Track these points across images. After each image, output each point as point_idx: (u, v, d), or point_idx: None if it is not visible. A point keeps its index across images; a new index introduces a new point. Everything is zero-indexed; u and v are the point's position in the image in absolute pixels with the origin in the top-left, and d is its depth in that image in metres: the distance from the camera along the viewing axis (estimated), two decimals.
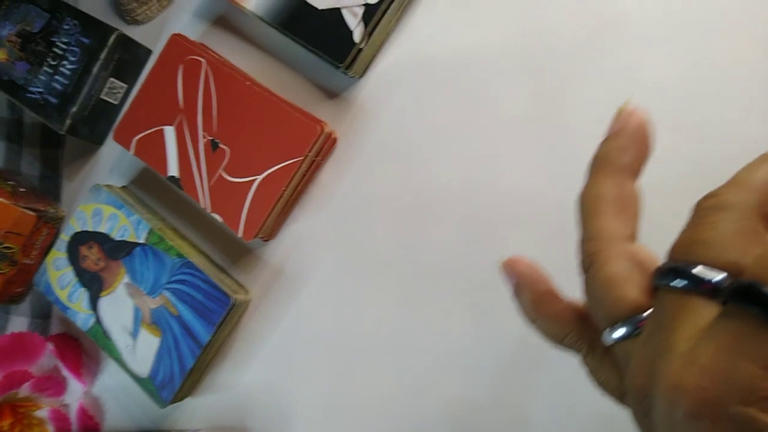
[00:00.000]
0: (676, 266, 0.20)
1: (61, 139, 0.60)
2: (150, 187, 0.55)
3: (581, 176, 0.42)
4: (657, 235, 0.26)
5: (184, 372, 0.48)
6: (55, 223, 0.57)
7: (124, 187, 0.56)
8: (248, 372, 0.50)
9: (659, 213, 0.40)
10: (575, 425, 0.41)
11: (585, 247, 0.24)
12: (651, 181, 0.40)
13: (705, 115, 0.40)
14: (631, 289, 0.21)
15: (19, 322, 0.59)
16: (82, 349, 0.56)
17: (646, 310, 0.21)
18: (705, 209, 0.20)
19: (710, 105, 0.40)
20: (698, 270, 0.19)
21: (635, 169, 0.25)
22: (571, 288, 0.41)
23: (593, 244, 0.23)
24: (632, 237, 0.23)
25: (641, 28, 0.42)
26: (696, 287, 0.19)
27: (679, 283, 0.19)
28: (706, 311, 0.18)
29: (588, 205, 0.25)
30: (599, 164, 0.26)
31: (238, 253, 0.52)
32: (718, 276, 0.18)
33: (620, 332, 0.21)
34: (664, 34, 0.41)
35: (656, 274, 0.21)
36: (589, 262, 0.23)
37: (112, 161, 0.57)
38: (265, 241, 0.51)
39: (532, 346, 0.42)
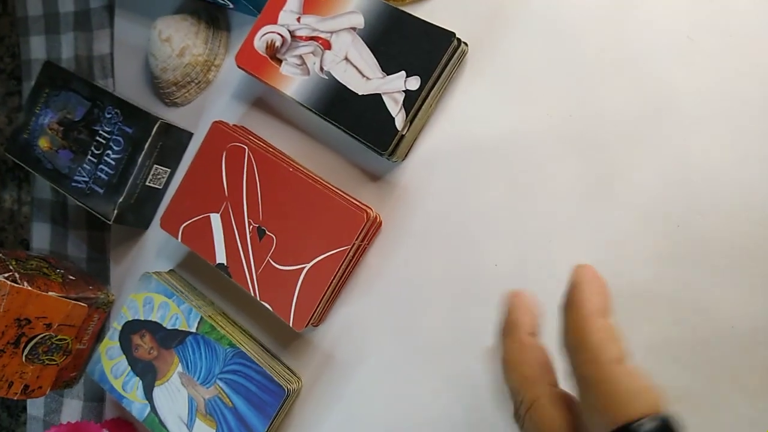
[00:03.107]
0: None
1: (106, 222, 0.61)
2: (197, 270, 0.56)
3: (629, 261, 0.41)
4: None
5: None
6: (105, 308, 0.58)
7: (171, 270, 0.57)
8: None
9: (720, 292, 0.39)
10: None
11: (514, 390, 0.29)
12: (712, 264, 0.39)
13: (761, 201, 0.39)
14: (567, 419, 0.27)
15: (73, 405, 0.59)
16: None
17: None
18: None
19: (765, 189, 0.39)
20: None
21: (533, 331, 0.31)
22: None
23: (521, 391, 0.29)
24: (552, 381, 0.29)
25: (695, 110, 0.41)
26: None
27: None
28: None
29: (507, 365, 0.31)
30: (504, 332, 0.32)
31: (287, 337, 0.52)
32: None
33: None
34: (719, 118, 0.40)
35: None
36: (526, 405, 0.28)
37: (158, 244, 0.58)
38: (314, 326, 0.51)
39: None
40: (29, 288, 0.50)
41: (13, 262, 0.53)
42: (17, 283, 0.50)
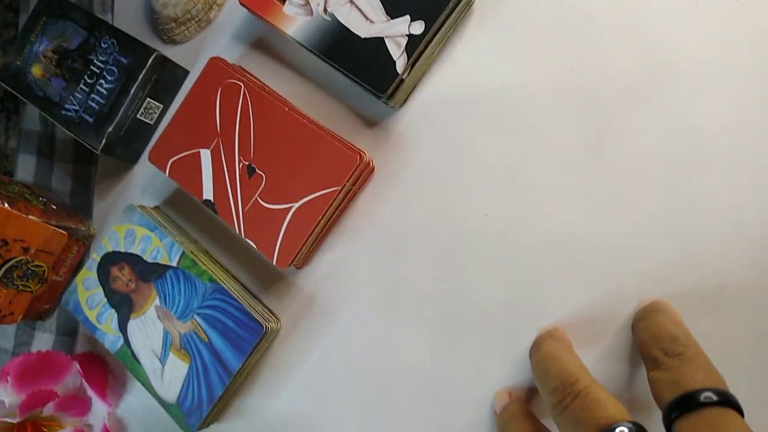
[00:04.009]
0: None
1: (93, 155, 0.60)
2: (182, 208, 0.55)
3: (626, 215, 0.41)
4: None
5: (212, 399, 0.47)
6: (86, 241, 0.57)
7: (156, 207, 0.56)
8: (277, 400, 0.50)
9: (717, 259, 0.39)
10: None
11: (559, 387, 0.33)
12: (709, 229, 0.39)
13: (756, 163, 0.39)
14: (615, 404, 0.31)
15: (44, 339, 0.58)
16: (108, 369, 0.56)
17: (624, 422, 0.30)
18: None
19: (762, 152, 0.39)
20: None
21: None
22: (613, 322, 0.40)
23: (568, 382, 0.33)
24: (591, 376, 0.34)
25: (697, 70, 0.41)
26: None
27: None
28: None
29: (547, 359, 0.37)
30: (541, 337, 0.41)
31: (270, 279, 0.51)
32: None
33: (625, 430, 0.30)
34: (718, 79, 0.40)
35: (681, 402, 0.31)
36: (573, 394, 0.32)
37: (144, 181, 0.57)
38: (298, 268, 0.50)
39: None
40: (8, 208, 0.49)
41: None
42: None
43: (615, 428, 0.29)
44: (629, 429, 0.29)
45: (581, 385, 0.32)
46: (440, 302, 0.46)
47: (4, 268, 0.50)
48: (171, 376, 0.48)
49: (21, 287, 0.52)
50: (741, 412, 0.30)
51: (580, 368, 0.35)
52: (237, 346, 0.47)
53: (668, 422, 0.31)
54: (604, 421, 0.30)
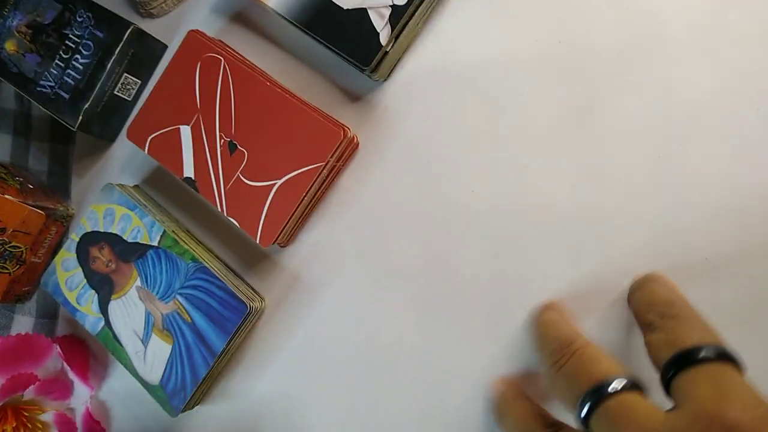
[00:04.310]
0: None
1: (71, 134, 0.58)
2: (163, 186, 0.54)
3: (612, 186, 0.40)
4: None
5: (196, 381, 0.46)
6: (64, 222, 0.56)
7: (136, 186, 0.54)
8: (262, 380, 0.49)
9: (704, 231, 0.38)
10: None
11: (557, 349, 0.34)
12: (695, 201, 0.39)
13: (743, 133, 0.38)
14: (611, 360, 0.32)
15: (24, 322, 0.57)
16: (90, 352, 0.55)
17: (619, 374, 0.30)
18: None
19: (749, 122, 0.39)
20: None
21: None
22: (601, 297, 0.40)
23: (565, 344, 0.34)
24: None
25: (681, 40, 0.40)
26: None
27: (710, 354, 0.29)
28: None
29: (545, 326, 0.38)
30: (539, 309, 0.41)
31: (253, 258, 0.50)
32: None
33: (619, 384, 0.30)
34: (705, 48, 0.39)
35: (678, 359, 0.30)
36: (569, 353, 0.33)
37: (123, 159, 0.55)
38: (282, 246, 0.49)
39: None
40: None
41: None
42: None
43: (611, 381, 0.30)
44: (622, 382, 0.30)
45: (577, 345, 0.33)
46: (427, 280, 0.45)
47: None
48: (154, 357, 0.48)
49: None
50: (740, 368, 0.29)
51: (576, 332, 0.35)
52: (221, 326, 0.46)
53: (666, 381, 0.30)
54: (598, 376, 0.30)
